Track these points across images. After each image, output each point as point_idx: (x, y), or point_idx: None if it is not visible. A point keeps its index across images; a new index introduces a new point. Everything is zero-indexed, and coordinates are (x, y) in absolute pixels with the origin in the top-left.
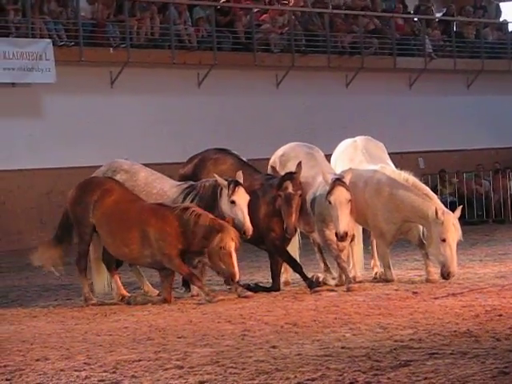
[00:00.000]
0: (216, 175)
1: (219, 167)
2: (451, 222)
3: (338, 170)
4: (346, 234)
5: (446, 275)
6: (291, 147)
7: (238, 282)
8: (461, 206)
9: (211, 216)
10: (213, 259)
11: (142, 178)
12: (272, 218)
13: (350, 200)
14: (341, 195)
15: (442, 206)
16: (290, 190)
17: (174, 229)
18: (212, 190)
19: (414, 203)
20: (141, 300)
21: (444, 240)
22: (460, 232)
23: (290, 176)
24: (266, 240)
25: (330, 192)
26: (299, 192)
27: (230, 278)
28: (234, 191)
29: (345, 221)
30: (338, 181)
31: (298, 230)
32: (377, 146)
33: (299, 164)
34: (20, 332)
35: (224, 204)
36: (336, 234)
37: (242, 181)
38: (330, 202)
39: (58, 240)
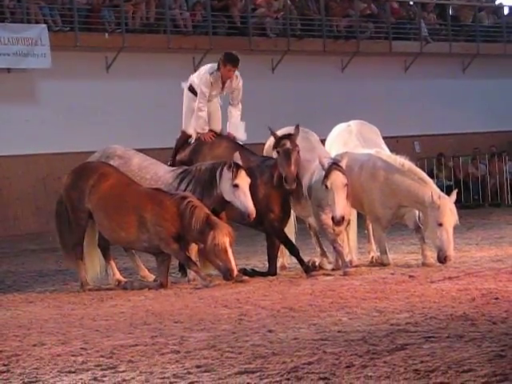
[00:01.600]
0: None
1: (215, 151)
2: (447, 206)
3: (333, 155)
4: (343, 218)
5: (442, 259)
6: (286, 131)
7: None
8: (456, 190)
9: (206, 211)
10: (209, 257)
11: (135, 164)
12: (270, 198)
13: (346, 184)
14: (337, 179)
15: (437, 190)
16: (288, 145)
17: (170, 215)
18: (209, 173)
19: (410, 188)
20: (137, 285)
21: (440, 224)
22: (456, 216)
23: (288, 136)
24: (265, 221)
25: (326, 176)
26: (297, 149)
27: (227, 274)
28: (236, 174)
29: (341, 205)
30: (335, 165)
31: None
32: (371, 130)
33: (297, 126)
34: (16, 317)
35: (225, 187)
36: (332, 219)
37: (240, 162)
38: (326, 187)
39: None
